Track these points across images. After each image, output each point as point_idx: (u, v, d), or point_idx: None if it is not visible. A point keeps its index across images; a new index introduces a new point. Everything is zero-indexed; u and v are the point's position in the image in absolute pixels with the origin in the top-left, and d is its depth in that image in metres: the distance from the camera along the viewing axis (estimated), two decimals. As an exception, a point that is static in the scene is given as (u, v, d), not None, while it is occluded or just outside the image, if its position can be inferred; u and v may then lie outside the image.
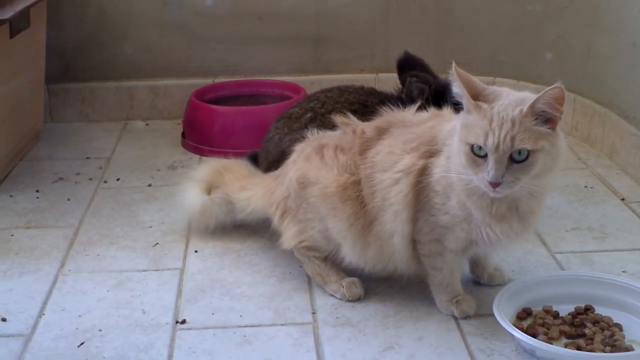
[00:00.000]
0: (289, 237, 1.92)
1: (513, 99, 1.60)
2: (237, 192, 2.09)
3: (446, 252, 1.77)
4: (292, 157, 1.95)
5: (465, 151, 1.59)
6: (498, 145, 1.55)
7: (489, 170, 1.57)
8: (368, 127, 1.85)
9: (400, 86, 2.23)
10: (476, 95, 1.60)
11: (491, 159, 1.57)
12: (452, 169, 1.66)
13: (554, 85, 1.56)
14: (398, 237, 1.76)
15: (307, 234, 1.89)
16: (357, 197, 1.80)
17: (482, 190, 1.61)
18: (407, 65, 2.23)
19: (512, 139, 1.55)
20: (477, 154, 1.59)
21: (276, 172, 2.04)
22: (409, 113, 1.87)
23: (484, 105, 1.59)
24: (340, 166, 1.82)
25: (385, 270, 1.85)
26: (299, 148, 1.95)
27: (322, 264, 1.91)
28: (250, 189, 2.07)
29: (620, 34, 2.57)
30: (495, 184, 1.57)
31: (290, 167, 1.94)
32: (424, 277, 1.84)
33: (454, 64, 1.62)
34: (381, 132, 1.83)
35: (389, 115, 1.87)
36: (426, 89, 2.16)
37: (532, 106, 1.56)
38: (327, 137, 1.92)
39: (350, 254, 1.85)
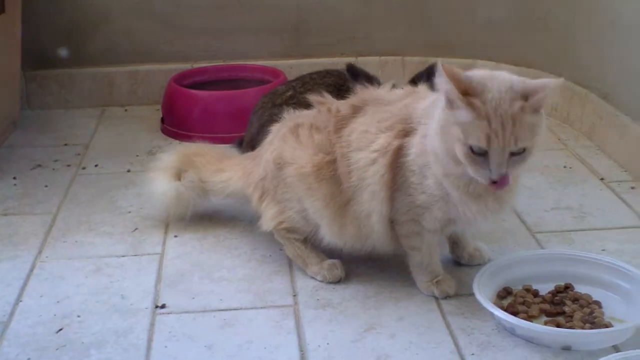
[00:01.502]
0: (268, 218, 1.91)
1: (502, 88, 1.55)
2: (213, 175, 2.07)
3: (424, 232, 1.76)
4: (269, 137, 1.94)
5: (465, 152, 1.56)
6: (503, 147, 1.54)
7: (493, 169, 1.55)
8: (343, 105, 1.84)
9: None
10: (464, 90, 1.55)
11: (494, 159, 1.54)
12: (433, 159, 1.64)
13: (556, 80, 1.54)
14: (375, 217, 1.76)
15: (285, 214, 1.88)
16: (332, 176, 1.79)
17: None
18: (353, 77, 2.17)
19: (516, 139, 1.53)
20: (477, 152, 1.55)
21: (253, 153, 2.03)
22: (384, 90, 1.85)
23: (477, 102, 1.54)
24: (315, 146, 1.81)
25: (363, 250, 1.84)
26: (275, 128, 1.94)
27: (303, 246, 1.90)
28: (228, 171, 2.05)
29: (598, 14, 2.57)
30: (502, 182, 1.56)
31: (266, 148, 1.93)
32: (404, 258, 1.83)
33: (439, 64, 1.57)
34: (356, 110, 1.81)
35: (364, 93, 1.86)
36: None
37: (534, 102, 1.54)
38: (303, 116, 1.91)
39: (328, 234, 1.84)
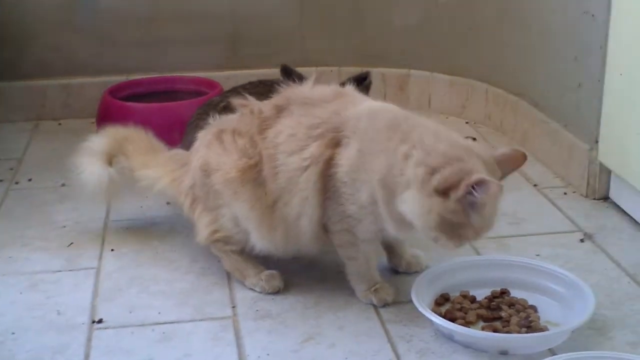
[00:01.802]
0: (202, 227, 1.90)
1: None
2: (140, 168, 2.04)
3: (359, 242, 1.77)
4: (195, 145, 1.93)
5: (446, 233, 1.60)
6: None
7: (462, 242, 1.63)
8: (266, 105, 1.83)
9: None
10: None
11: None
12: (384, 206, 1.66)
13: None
14: (306, 220, 1.75)
15: (218, 222, 1.87)
16: (255, 179, 1.78)
17: None
18: (286, 77, 2.16)
19: None
20: None
21: (180, 155, 2.01)
22: (307, 88, 1.84)
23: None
24: (239, 150, 1.80)
25: (292, 252, 1.84)
26: (201, 135, 1.93)
27: (240, 258, 1.89)
28: (154, 168, 2.02)
29: (528, 23, 2.62)
30: None
31: (193, 155, 1.92)
32: (342, 267, 1.84)
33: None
34: (280, 110, 1.80)
35: (287, 91, 1.84)
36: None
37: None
38: (226, 121, 1.90)
39: (258, 238, 1.82)
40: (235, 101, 1.89)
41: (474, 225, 1.58)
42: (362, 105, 1.77)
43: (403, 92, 3.09)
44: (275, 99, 1.83)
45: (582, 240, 2.09)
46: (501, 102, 2.81)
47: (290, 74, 2.16)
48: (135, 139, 2.09)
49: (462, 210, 1.56)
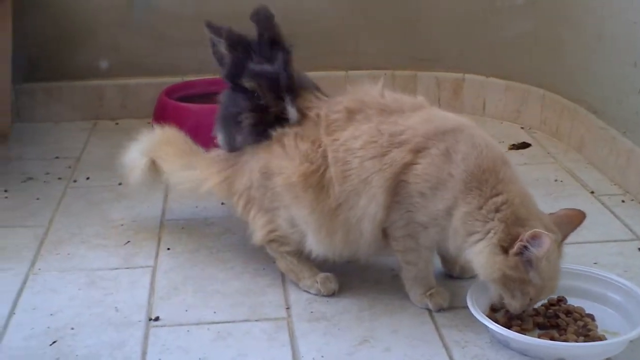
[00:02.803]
0: (258, 228, 1.90)
1: None
2: (180, 170, 2.04)
3: (421, 248, 1.77)
4: (252, 147, 1.90)
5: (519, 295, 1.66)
6: None
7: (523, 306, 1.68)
8: (334, 107, 1.82)
9: None
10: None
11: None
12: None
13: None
14: (368, 222, 1.75)
15: (275, 223, 1.87)
16: (317, 184, 1.78)
17: None
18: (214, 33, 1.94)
19: None
20: None
21: (226, 157, 1.97)
22: (381, 93, 1.83)
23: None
24: (301, 155, 1.80)
25: (348, 257, 1.84)
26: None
27: (295, 260, 1.90)
28: (198, 169, 2.02)
29: (586, 28, 2.59)
30: None
31: (249, 157, 1.90)
32: (398, 271, 1.84)
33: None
34: (352, 113, 1.80)
35: (359, 94, 1.83)
36: (220, 43, 1.90)
37: None
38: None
39: (315, 242, 1.82)
40: (301, 102, 1.86)
41: (533, 283, 1.63)
42: (451, 119, 1.78)
43: (457, 96, 3.08)
44: (347, 102, 1.82)
45: (640, 249, 2.06)
46: (558, 108, 2.78)
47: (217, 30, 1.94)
48: (174, 142, 2.10)
49: (521, 266, 1.61)
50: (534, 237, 1.58)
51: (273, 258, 1.95)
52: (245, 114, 1.87)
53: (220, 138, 1.98)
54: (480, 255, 1.65)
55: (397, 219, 1.75)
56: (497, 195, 1.66)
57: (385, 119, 1.77)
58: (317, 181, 1.78)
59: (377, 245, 1.80)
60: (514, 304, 1.66)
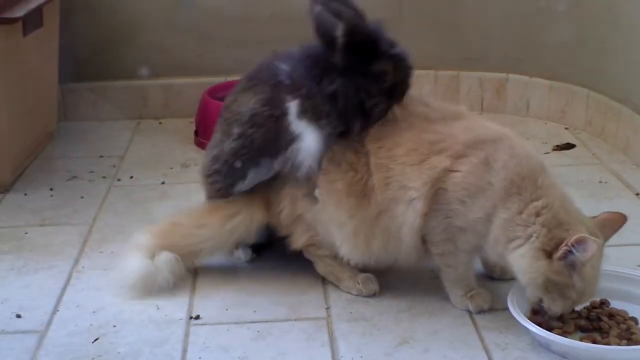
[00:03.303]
0: (298, 235, 1.90)
1: None
2: (221, 226, 1.90)
3: (459, 252, 1.76)
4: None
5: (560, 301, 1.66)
6: None
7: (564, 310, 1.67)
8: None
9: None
10: None
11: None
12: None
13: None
14: (407, 229, 1.75)
15: (313, 230, 1.88)
16: (361, 191, 1.78)
17: None
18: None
19: None
20: None
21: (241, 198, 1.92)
22: (425, 101, 1.84)
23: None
24: (346, 163, 1.80)
25: (385, 263, 1.84)
26: None
27: (334, 262, 1.90)
28: (238, 214, 1.91)
29: (633, 29, 2.55)
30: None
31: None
32: (437, 272, 1.83)
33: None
34: (397, 121, 1.79)
35: (404, 101, 1.81)
36: (338, 25, 1.71)
37: None
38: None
39: (351, 248, 1.82)
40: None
41: (576, 287, 1.62)
42: (491, 129, 1.78)
43: (501, 96, 3.06)
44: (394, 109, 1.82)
45: (684, 251, 2.03)
46: (603, 109, 2.75)
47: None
48: (183, 218, 1.96)
49: (565, 270, 1.60)
50: (579, 242, 1.57)
51: (312, 261, 1.95)
52: (377, 99, 1.77)
53: (326, 129, 1.78)
54: (522, 260, 1.64)
55: (436, 225, 1.74)
56: (537, 199, 1.65)
57: (427, 126, 1.77)
58: (360, 189, 1.78)
59: (416, 252, 1.79)
60: (554, 308, 1.65)
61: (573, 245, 1.58)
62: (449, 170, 1.71)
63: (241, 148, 1.86)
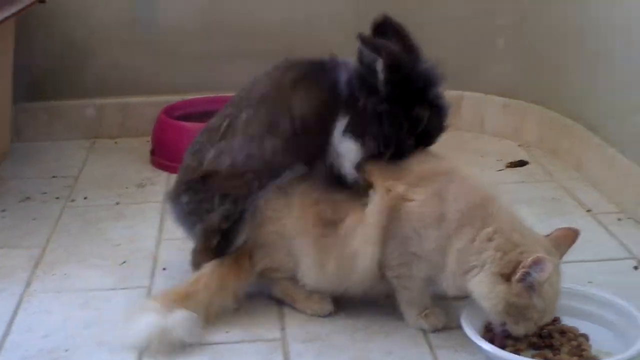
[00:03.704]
0: (257, 259, 1.87)
1: None
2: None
3: (414, 277, 1.77)
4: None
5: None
6: None
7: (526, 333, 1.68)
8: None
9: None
10: None
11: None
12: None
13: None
14: (362, 258, 1.75)
15: (272, 256, 1.86)
16: (326, 220, 1.78)
17: None
18: (380, 32, 1.78)
19: None
20: None
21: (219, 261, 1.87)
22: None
23: None
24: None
25: (337, 292, 1.84)
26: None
27: (289, 283, 1.89)
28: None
29: (585, 46, 2.59)
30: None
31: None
32: (392, 292, 1.83)
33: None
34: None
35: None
36: (377, 61, 1.70)
37: None
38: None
39: (310, 274, 1.83)
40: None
41: (537, 307, 1.63)
42: (442, 162, 1.80)
43: (456, 113, 3.07)
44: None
45: (635, 268, 2.06)
46: (556, 126, 2.78)
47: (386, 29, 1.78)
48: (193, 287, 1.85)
49: (525, 292, 1.62)
50: (536, 262, 1.59)
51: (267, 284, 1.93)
52: (408, 137, 1.76)
53: (363, 149, 1.76)
54: (481, 286, 1.66)
55: (392, 250, 1.75)
56: (487, 226, 1.67)
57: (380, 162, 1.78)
58: (326, 218, 1.78)
59: (371, 281, 1.79)
60: (519, 330, 1.66)
61: (530, 267, 1.59)
62: (403, 199, 1.72)
63: (283, 151, 1.80)
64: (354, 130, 1.75)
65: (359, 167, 1.77)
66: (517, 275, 1.60)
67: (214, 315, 1.82)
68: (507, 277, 1.63)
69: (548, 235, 1.74)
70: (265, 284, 1.92)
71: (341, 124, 1.76)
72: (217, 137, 1.87)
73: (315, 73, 1.82)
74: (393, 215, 1.73)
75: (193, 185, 1.88)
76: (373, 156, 1.77)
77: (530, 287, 1.61)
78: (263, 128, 1.80)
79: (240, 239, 1.86)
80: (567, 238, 1.75)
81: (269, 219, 1.83)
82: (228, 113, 1.90)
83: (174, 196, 1.93)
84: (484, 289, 1.65)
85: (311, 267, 1.81)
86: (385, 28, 1.78)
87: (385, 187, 1.74)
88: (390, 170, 1.76)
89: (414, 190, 1.73)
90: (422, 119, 1.75)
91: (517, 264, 1.61)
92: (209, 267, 1.86)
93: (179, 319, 1.72)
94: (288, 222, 1.82)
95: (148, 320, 1.71)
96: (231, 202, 1.83)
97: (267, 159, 1.80)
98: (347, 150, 1.76)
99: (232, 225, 1.84)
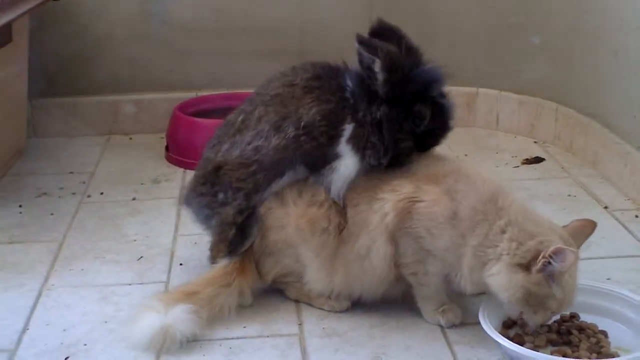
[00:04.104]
0: (264, 273, 1.89)
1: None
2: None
3: (430, 273, 1.77)
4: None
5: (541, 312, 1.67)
6: None
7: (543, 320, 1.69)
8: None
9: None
10: None
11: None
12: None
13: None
14: (377, 258, 1.76)
15: (281, 263, 1.87)
16: (325, 227, 1.79)
17: None
18: (378, 36, 1.81)
19: None
20: None
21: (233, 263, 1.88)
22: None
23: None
24: (307, 200, 1.81)
25: (350, 297, 1.85)
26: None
27: (302, 284, 1.89)
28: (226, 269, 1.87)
29: (601, 43, 2.59)
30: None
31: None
32: (409, 288, 1.83)
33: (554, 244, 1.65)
34: None
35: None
36: (375, 62, 1.73)
37: None
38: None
39: (316, 281, 1.84)
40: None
41: (556, 297, 1.64)
42: (445, 163, 1.80)
43: (471, 110, 3.08)
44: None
45: (654, 264, 2.05)
46: (571, 122, 2.78)
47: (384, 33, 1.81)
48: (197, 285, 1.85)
49: (544, 281, 1.62)
50: (557, 253, 1.59)
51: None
52: (406, 137, 1.77)
53: (366, 159, 1.78)
54: (499, 277, 1.66)
55: (406, 248, 1.75)
56: (500, 219, 1.68)
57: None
58: (325, 226, 1.78)
59: (388, 280, 1.80)
60: (536, 319, 1.67)
61: (551, 257, 1.59)
62: (412, 200, 1.72)
63: (284, 149, 1.81)
64: (356, 142, 1.77)
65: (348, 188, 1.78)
66: (538, 265, 1.61)
67: (217, 311, 1.81)
68: (525, 267, 1.63)
69: (565, 226, 1.74)
70: (279, 287, 1.93)
71: (347, 132, 1.78)
72: (232, 131, 1.90)
73: (328, 79, 1.85)
74: (403, 216, 1.73)
75: (209, 177, 1.90)
76: (372, 167, 1.78)
77: (550, 277, 1.61)
78: (271, 126, 1.83)
79: (254, 234, 1.86)
80: (584, 229, 1.75)
81: (272, 229, 1.84)
82: (244, 109, 1.93)
83: (192, 188, 1.95)
84: (502, 280, 1.65)
85: (318, 275, 1.83)
86: (382, 32, 1.82)
87: (391, 189, 1.75)
88: (390, 177, 1.77)
89: (423, 190, 1.73)
90: (424, 117, 1.76)
91: (536, 254, 1.62)
92: (215, 267, 1.87)
93: (179, 313, 1.73)
94: (289, 231, 1.83)
95: (148, 320, 1.72)
96: (244, 196, 1.84)
97: (271, 155, 1.82)
98: (343, 167, 1.78)
99: (246, 219, 1.85)
